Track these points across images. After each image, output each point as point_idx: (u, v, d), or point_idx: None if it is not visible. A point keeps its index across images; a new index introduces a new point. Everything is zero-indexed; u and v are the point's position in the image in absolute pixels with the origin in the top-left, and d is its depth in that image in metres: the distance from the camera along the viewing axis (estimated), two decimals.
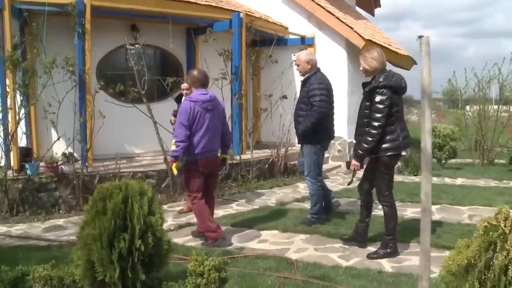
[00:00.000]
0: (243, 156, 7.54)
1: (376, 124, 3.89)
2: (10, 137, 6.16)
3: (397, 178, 8.29)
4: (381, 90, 3.90)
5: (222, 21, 7.78)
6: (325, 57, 9.05)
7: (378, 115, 3.89)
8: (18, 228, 5.46)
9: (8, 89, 6.21)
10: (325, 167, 9.01)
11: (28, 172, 6.22)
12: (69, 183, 6.31)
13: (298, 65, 5.17)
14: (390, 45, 9.15)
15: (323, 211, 5.27)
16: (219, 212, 5.78)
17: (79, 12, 6.31)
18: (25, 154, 6.55)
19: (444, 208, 6.02)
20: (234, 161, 7.24)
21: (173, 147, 4.50)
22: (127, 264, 2.80)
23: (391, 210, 4.15)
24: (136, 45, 6.68)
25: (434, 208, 6.05)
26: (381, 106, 3.88)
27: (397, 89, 3.98)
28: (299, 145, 5.29)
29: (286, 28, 9.11)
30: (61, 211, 6.20)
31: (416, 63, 10.36)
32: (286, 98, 7.39)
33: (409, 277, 3.66)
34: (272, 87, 8.39)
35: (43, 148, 6.96)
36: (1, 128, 6.21)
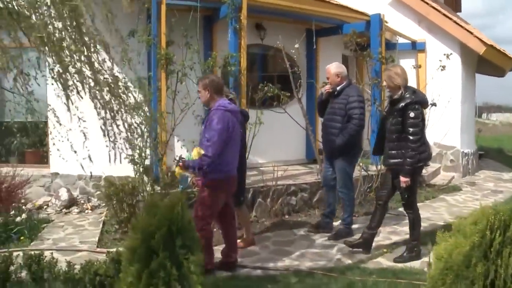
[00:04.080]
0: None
1: (415, 138, 4.12)
2: (164, 146, 5.44)
3: None
4: (414, 106, 4.15)
5: (351, 23, 7.19)
6: (436, 62, 8.61)
7: (416, 129, 4.12)
8: None
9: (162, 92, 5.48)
10: (438, 178, 8.56)
11: (180, 185, 5.48)
12: None
13: (328, 78, 5.08)
14: (504, 50, 8.81)
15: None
16: (400, 229, 5.20)
17: (237, 6, 5.66)
18: None
19: None
20: (372, 172, 6.64)
21: (195, 157, 3.77)
22: None
23: (415, 216, 4.38)
24: (296, 46, 6.03)
25: None
26: (417, 121, 4.14)
27: (423, 104, 4.31)
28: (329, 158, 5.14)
29: (395, 32, 8.62)
30: None
31: None
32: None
33: None
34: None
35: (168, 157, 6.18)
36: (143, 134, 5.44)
